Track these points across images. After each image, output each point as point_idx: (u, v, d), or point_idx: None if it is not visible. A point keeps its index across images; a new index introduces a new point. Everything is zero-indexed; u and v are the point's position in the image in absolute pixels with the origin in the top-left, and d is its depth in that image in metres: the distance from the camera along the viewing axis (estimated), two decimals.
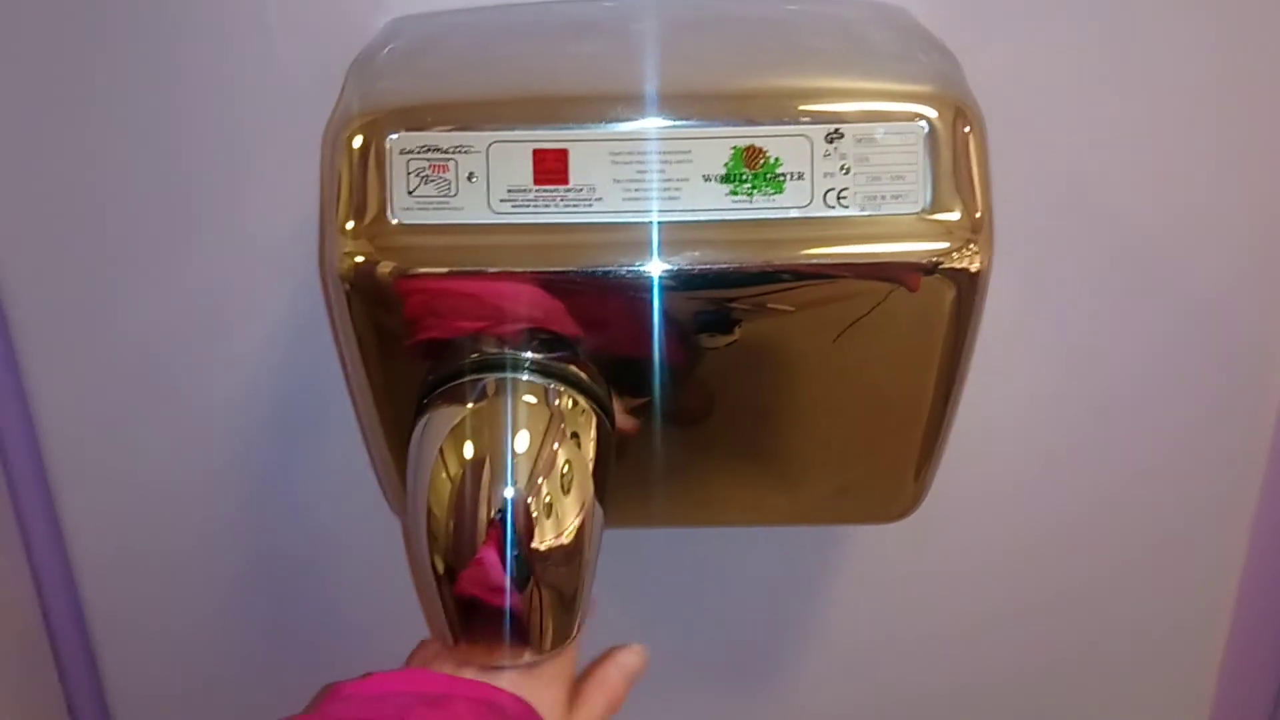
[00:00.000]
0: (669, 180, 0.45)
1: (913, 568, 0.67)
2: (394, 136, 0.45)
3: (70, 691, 0.72)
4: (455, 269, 0.45)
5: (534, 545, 0.45)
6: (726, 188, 0.45)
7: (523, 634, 0.46)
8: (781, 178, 0.45)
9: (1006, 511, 0.65)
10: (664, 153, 0.45)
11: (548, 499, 0.46)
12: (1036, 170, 0.56)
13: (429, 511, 0.46)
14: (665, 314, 0.46)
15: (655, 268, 0.45)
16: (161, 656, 0.70)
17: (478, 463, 0.46)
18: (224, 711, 0.72)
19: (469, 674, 0.48)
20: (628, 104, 0.45)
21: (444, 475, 0.46)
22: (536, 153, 0.45)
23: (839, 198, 0.45)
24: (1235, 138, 0.56)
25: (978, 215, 0.45)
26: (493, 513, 0.45)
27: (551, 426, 0.47)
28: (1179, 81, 0.55)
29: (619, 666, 0.52)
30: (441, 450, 0.46)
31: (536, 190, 0.45)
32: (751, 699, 0.71)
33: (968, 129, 0.45)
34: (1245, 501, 0.65)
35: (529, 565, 0.45)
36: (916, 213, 0.45)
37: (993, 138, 0.46)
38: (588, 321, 0.47)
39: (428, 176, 0.45)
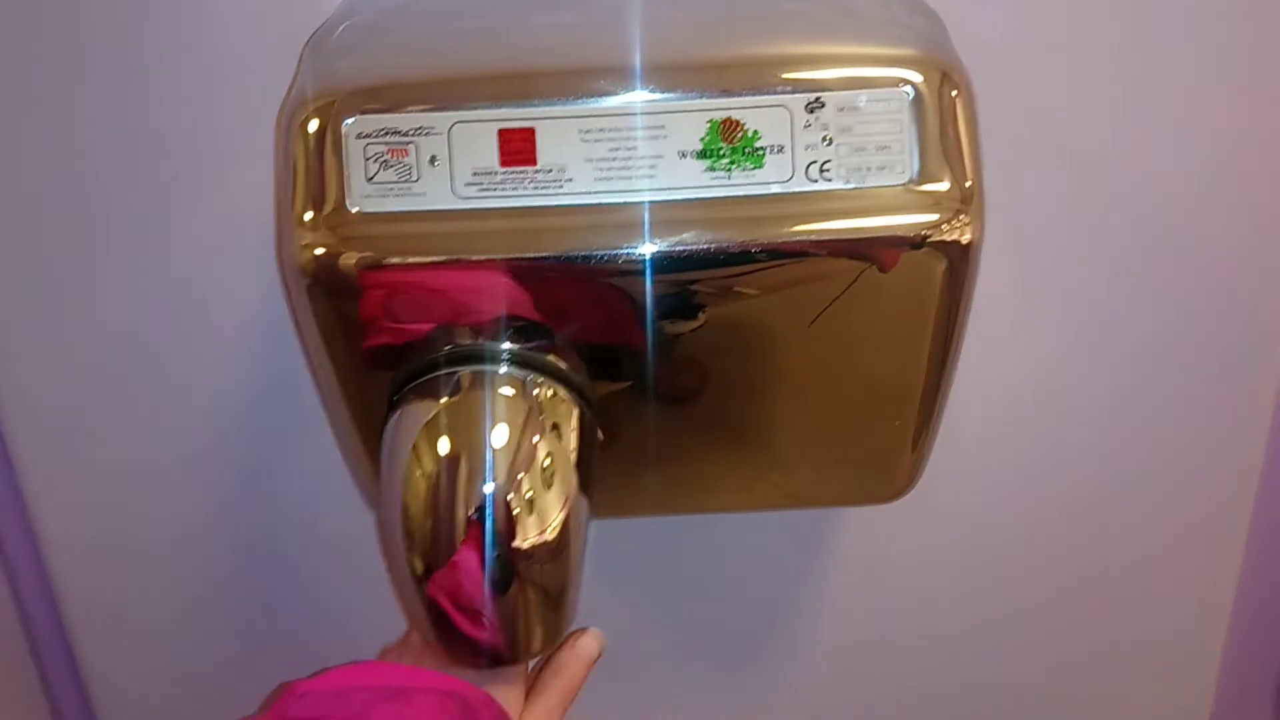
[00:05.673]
0: (643, 158, 0.43)
1: (910, 554, 0.65)
2: (350, 120, 0.43)
3: (52, 691, 0.71)
4: (420, 259, 0.43)
5: (516, 544, 0.44)
6: (704, 164, 0.43)
7: (508, 638, 0.45)
8: (761, 151, 0.43)
9: (1006, 496, 0.64)
10: (636, 128, 0.43)
11: (529, 494, 0.44)
12: (1028, 138, 0.53)
13: (405, 511, 0.44)
14: (644, 297, 0.44)
15: (632, 250, 0.43)
16: (142, 651, 0.68)
17: (454, 459, 0.44)
18: (207, 704, 0.70)
19: (429, 663, 0.47)
20: (597, 78, 0.43)
21: (419, 473, 0.44)
22: (502, 133, 0.43)
23: (822, 170, 0.43)
24: (1243, 103, 0.54)
25: (968, 185, 0.43)
26: (471, 511, 0.43)
27: (530, 419, 0.45)
28: (1182, 43, 0.52)
29: (576, 652, 0.51)
30: (415, 447, 0.45)
31: (503, 172, 0.43)
32: (748, 686, 0.70)
33: (955, 93, 0.43)
34: (1246, 486, 0.64)
35: (512, 565, 0.44)
36: (903, 184, 0.43)
37: (981, 105, 0.44)
38: (564, 309, 0.45)
39: (387, 161, 0.43)
